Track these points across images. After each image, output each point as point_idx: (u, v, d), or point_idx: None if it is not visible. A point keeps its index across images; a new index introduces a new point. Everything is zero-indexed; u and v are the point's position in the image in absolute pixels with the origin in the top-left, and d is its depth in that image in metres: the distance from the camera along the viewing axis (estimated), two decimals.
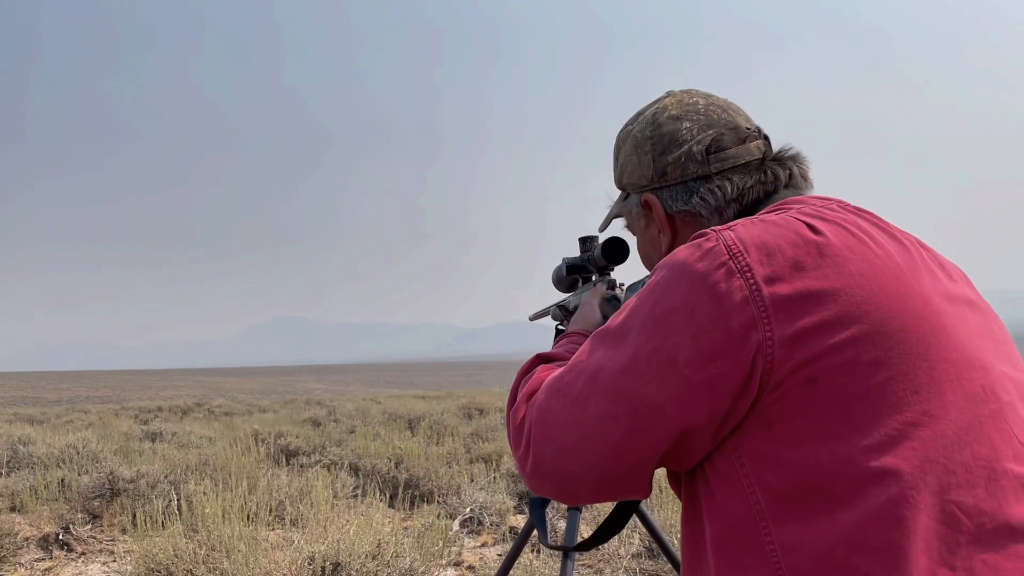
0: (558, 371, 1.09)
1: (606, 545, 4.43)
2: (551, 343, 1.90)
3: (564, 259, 1.91)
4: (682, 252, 1.02)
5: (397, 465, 7.02)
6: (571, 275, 1.90)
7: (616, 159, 1.32)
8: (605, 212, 1.43)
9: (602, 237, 1.81)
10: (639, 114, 1.28)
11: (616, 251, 1.74)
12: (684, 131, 1.20)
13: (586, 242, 1.87)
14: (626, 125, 1.30)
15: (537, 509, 1.88)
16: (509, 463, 7.17)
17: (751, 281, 0.94)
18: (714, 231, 1.02)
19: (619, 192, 1.36)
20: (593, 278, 1.85)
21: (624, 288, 1.67)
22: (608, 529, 1.60)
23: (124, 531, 5.26)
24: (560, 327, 1.98)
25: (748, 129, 1.21)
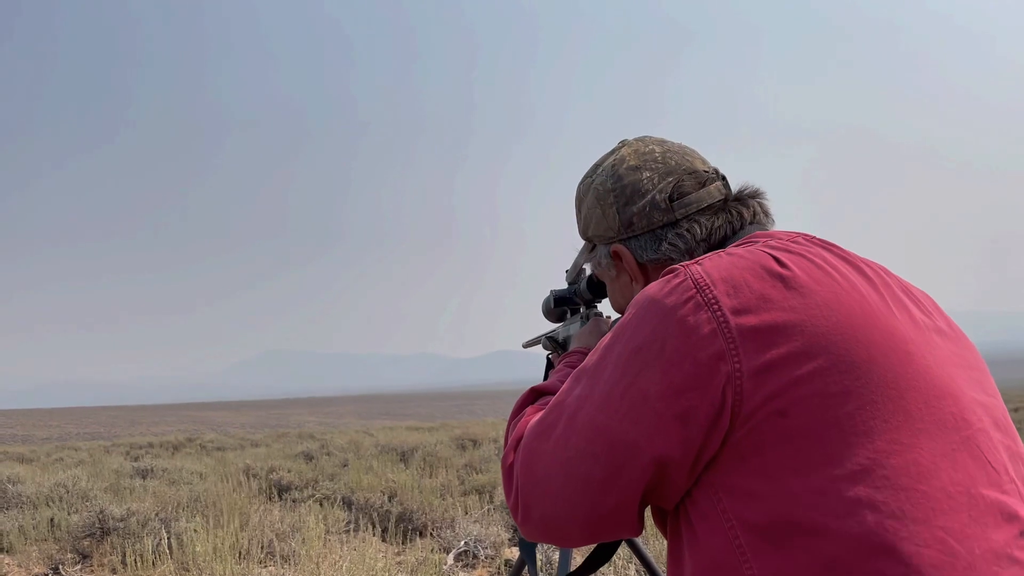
0: (541, 412, 1.11)
1: None
2: (543, 372, 1.93)
3: (552, 291, 1.94)
4: (651, 288, 1.05)
5: (390, 498, 6.97)
6: (559, 307, 1.93)
7: (579, 212, 1.35)
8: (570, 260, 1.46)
9: (588, 270, 1.83)
10: (597, 166, 1.32)
11: (601, 284, 1.77)
12: (645, 180, 1.23)
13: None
14: (585, 178, 1.33)
15: (527, 544, 1.89)
16: (503, 495, 7.12)
17: (718, 314, 0.97)
18: (682, 266, 1.05)
19: (583, 243, 1.39)
20: (581, 310, 1.88)
21: (610, 321, 1.70)
22: (597, 558, 1.60)
23: (114, 571, 5.20)
24: (550, 357, 2.00)
25: (706, 172, 1.25)
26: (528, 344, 2.23)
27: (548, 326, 2.04)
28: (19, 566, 5.38)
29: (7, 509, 7.12)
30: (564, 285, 1.92)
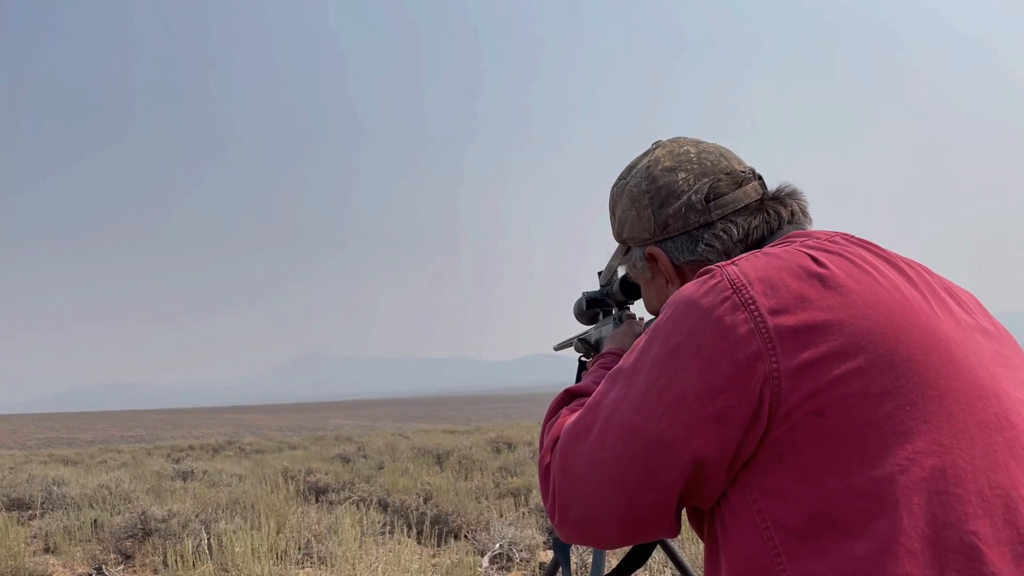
0: (577, 413, 1.10)
1: None
2: (575, 376, 1.92)
3: (584, 293, 1.93)
4: (687, 289, 1.04)
5: (426, 501, 7.00)
6: (591, 308, 1.92)
7: (613, 214, 1.33)
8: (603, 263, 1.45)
9: (620, 271, 1.82)
10: (631, 168, 1.30)
11: (634, 286, 1.76)
12: (680, 182, 1.22)
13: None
14: (619, 180, 1.32)
15: (561, 546, 1.88)
16: (538, 497, 7.12)
17: (756, 314, 0.95)
18: (718, 267, 1.04)
19: (617, 245, 1.37)
20: (613, 311, 1.86)
21: (644, 323, 1.68)
22: (632, 561, 1.59)
23: (156, 571, 5.29)
24: (583, 359, 1.99)
25: (742, 172, 1.23)
26: (560, 347, 2.22)
27: (580, 328, 2.03)
28: (64, 566, 5.49)
29: (52, 510, 7.29)
30: (596, 287, 1.90)
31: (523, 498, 7.39)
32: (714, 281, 1.01)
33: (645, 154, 1.30)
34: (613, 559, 4.64)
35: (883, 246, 1.08)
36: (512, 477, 8.73)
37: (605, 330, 1.84)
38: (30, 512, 7.58)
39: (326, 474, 9.08)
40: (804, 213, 1.24)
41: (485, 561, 5.22)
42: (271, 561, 4.71)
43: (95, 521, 6.35)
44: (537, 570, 5.23)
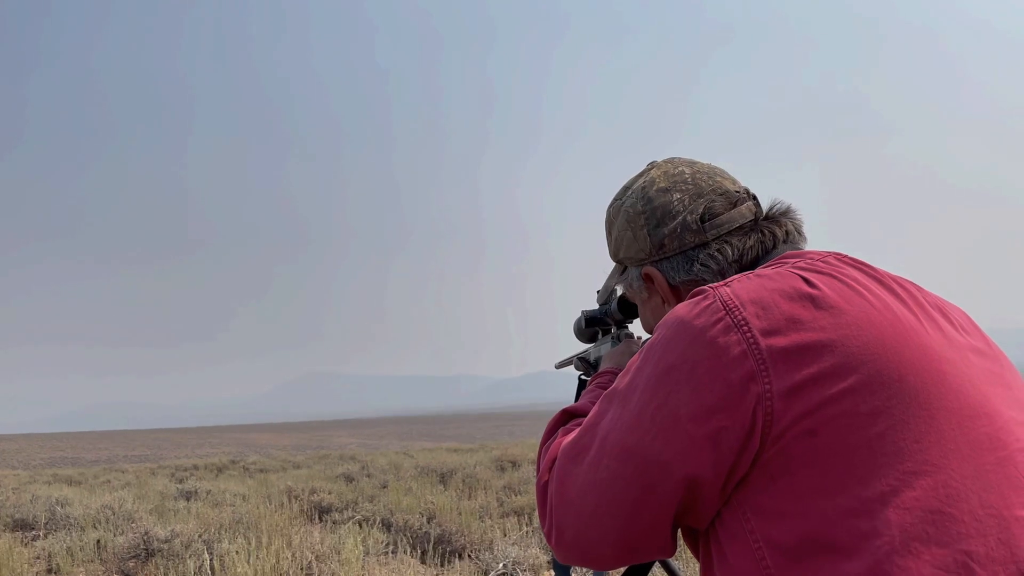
0: (574, 433, 1.11)
1: None
2: (575, 394, 1.92)
3: (583, 311, 1.94)
4: (680, 310, 1.05)
5: (429, 520, 6.97)
6: (590, 327, 1.93)
7: (609, 234, 1.35)
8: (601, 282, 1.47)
9: (619, 291, 1.83)
10: (626, 189, 1.32)
11: (632, 305, 1.77)
12: (676, 202, 1.23)
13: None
14: (614, 200, 1.34)
15: (561, 568, 1.88)
16: None
17: (748, 335, 0.96)
18: (711, 288, 1.05)
19: (614, 265, 1.39)
20: (612, 330, 1.87)
21: (641, 341, 1.69)
22: None
23: None
24: (583, 377, 2.00)
25: (737, 192, 1.25)
26: (560, 365, 2.23)
27: (580, 347, 2.04)
28: None
29: (56, 531, 7.27)
30: (595, 305, 1.91)
31: (527, 517, 7.36)
32: (707, 302, 1.02)
33: (640, 175, 1.31)
34: None
35: (875, 265, 1.09)
36: (516, 496, 8.69)
37: (604, 348, 1.85)
38: (34, 533, 7.57)
39: (330, 493, 9.06)
40: (799, 232, 1.26)
41: None
42: None
43: (98, 542, 6.33)
44: None
